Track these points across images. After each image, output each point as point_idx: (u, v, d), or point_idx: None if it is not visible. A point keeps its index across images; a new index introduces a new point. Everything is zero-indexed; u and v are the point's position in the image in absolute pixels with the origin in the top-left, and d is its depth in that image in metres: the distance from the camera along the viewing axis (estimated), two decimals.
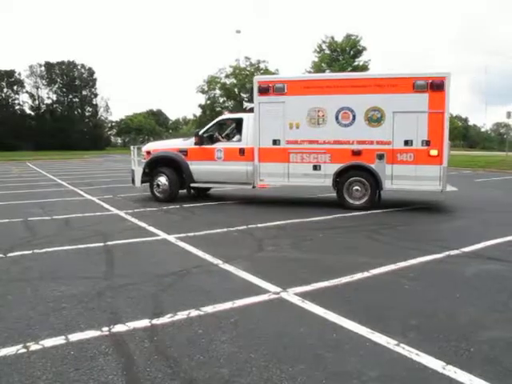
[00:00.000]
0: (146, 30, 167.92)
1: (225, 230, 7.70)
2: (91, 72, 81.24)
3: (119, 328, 3.59)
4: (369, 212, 9.63)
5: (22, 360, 3.10)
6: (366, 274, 5.11)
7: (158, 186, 11.15)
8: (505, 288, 4.74)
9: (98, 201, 11.36)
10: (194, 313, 3.91)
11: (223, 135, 11.81)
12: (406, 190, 10.03)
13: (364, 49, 46.63)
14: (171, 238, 7.00)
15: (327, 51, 47.21)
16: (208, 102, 54.08)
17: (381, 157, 9.76)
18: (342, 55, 45.80)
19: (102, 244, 6.58)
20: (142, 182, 11.46)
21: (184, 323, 3.70)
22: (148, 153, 11.56)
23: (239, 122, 11.21)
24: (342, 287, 4.70)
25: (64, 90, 79.08)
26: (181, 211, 9.79)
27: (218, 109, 54.21)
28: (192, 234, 7.29)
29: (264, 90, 10.36)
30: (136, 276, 5.03)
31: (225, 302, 4.14)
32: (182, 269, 5.30)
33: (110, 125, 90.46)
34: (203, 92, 53.82)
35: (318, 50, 47.81)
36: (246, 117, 11.01)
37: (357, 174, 10.03)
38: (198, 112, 56.75)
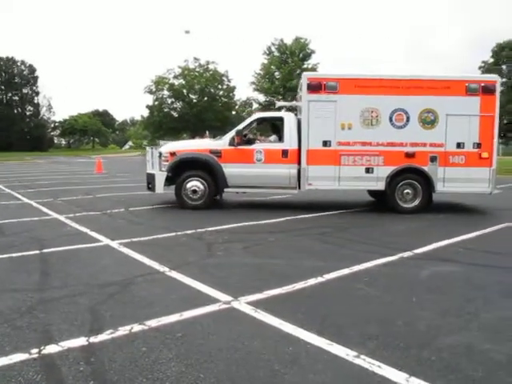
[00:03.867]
0: (91, 28, 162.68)
1: (173, 234, 7.33)
2: (32, 69, 77.76)
3: (51, 349, 3.18)
4: (321, 214, 9.57)
5: None
6: (319, 280, 4.93)
7: (195, 191, 10.06)
8: (458, 290, 4.71)
9: (37, 204, 10.62)
10: (137, 327, 3.55)
11: (258, 136, 10.97)
12: (457, 192, 10.16)
13: (313, 52, 47.35)
14: (114, 243, 6.55)
15: (276, 53, 47.42)
16: (156, 102, 52.81)
17: (433, 159, 9.71)
18: (292, 58, 46.14)
19: (37, 252, 6.04)
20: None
21: (126, 340, 3.34)
22: (172, 154, 10.26)
23: (279, 121, 10.46)
24: (296, 294, 4.48)
25: (2, 87, 75.19)
26: (127, 215, 9.31)
27: (165, 110, 53.15)
28: (137, 239, 6.88)
29: (314, 88, 9.76)
30: (73, 287, 4.60)
31: (171, 315, 3.81)
32: (125, 278, 4.91)
33: (53, 125, 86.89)
34: (151, 92, 52.54)
35: (267, 52, 48.03)
36: (286, 116, 10.30)
37: (409, 176, 9.90)
38: (146, 113, 55.36)
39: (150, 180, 10.53)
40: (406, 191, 9.94)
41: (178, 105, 53.76)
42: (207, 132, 68.03)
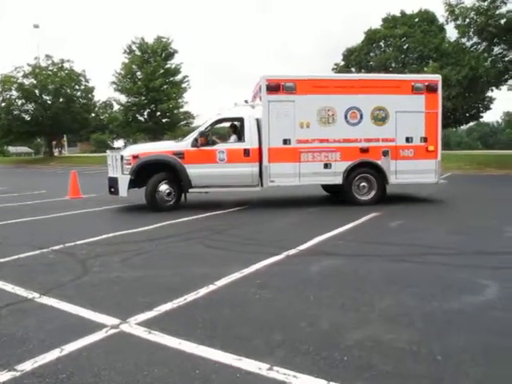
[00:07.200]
0: None
1: (37, 252, 6.44)
2: None
3: None
4: (200, 216, 9.36)
5: None
6: (211, 288, 4.67)
7: (170, 194, 10.24)
8: (349, 283, 4.81)
9: None
10: (6, 376, 2.91)
11: (217, 136, 11.04)
12: (408, 183, 10.93)
13: (176, 51, 46.41)
14: None
15: (138, 52, 45.68)
16: (3, 104, 47.42)
17: (386, 153, 10.47)
18: (154, 57, 44.84)
19: None
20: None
21: None
22: (135, 157, 10.17)
23: (239, 121, 10.77)
24: (189, 307, 4.15)
25: None
26: None
27: (15, 112, 48.05)
28: None
29: (273, 89, 10.17)
30: None
31: (50, 351, 3.22)
32: None
33: None
34: None
35: (128, 50, 45.94)
36: (246, 116, 10.49)
37: (364, 170, 10.54)
38: None
39: (113, 184, 10.50)
40: (361, 184, 10.62)
41: (30, 107, 48.92)
42: (65, 136, 63.43)
